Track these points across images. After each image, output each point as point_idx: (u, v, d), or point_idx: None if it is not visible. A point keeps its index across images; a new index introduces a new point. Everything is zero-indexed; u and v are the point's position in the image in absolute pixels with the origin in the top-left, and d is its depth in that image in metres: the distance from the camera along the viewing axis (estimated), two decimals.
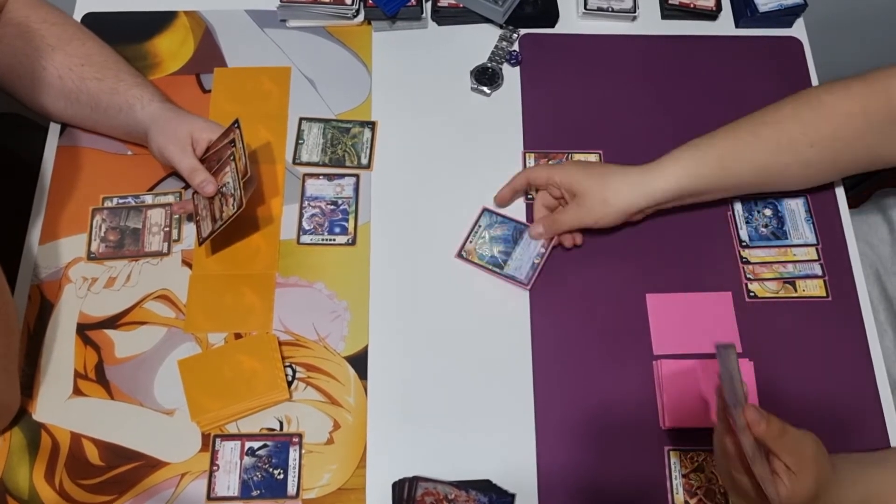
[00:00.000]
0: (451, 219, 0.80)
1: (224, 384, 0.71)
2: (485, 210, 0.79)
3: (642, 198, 0.73)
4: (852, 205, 0.83)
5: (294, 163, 0.83)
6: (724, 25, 0.92)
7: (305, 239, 0.79)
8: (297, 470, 0.69)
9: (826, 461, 0.57)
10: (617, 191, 0.73)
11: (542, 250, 0.74)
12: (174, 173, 0.81)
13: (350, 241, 0.79)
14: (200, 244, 0.76)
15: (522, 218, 0.80)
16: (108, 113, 0.78)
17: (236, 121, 0.74)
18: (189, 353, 0.73)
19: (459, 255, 0.76)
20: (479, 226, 0.77)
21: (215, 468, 0.69)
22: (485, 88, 0.87)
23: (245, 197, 0.71)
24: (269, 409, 0.71)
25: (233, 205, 0.72)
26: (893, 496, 0.61)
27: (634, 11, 0.90)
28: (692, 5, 0.91)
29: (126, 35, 0.88)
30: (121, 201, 0.80)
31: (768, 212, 0.81)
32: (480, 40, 0.90)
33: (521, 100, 0.87)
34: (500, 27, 0.91)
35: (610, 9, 0.90)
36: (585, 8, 0.90)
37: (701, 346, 0.75)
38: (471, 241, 0.76)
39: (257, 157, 0.83)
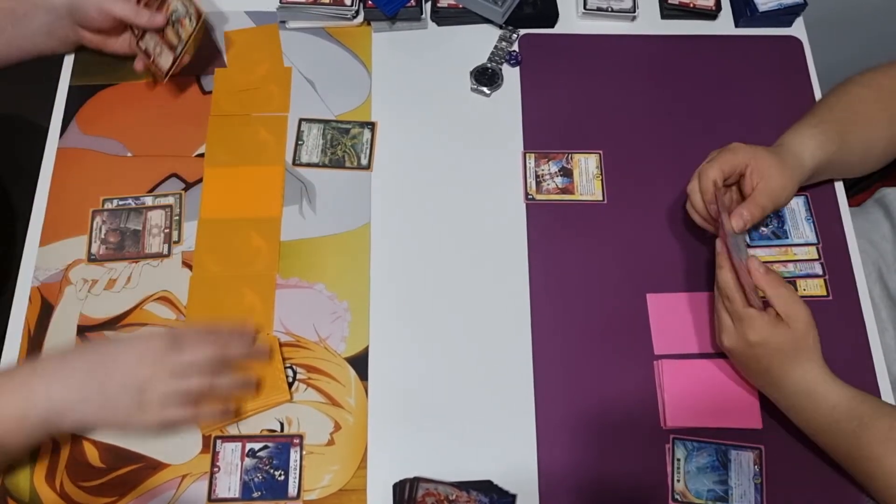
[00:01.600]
0: (451, 219, 0.80)
1: None
2: (675, 439, 0.70)
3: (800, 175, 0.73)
4: (853, 203, 0.83)
5: (294, 164, 0.83)
6: (724, 25, 0.92)
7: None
8: (297, 471, 0.69)
9: (812, 335, 0.65)
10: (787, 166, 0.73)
11: (757, 468, 0.69)
12: (175, 174, 0.81)
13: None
14: (166, 77, 0.79)
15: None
16: (28, 19, 0.77)
17: None
18: None
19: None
20: (678, 460, 0.70)
21: (216, 469, 0.69)
22: (484, 89, 0.87)
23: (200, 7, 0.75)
24: (270, 410, 0.71)
25: (190, 21, 0.75)
26: (825, 402, 0.65)
27: (634, 11, 0.90)
28: (692, 5, 0.91)
29: None
30: (121, 203, 0.80)
31: None
32: (480, 41, 0.90)
33: (520, 100, 0.87)
34: (500, 27, 0.91)
35: (609, 9, 0.90)
36: (585, 8, 0.90)
37: (702, 345, 0.75)
38: (678, 480, 0.69)
39: (259, 158, 0.83)
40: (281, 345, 0.73)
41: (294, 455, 0.69)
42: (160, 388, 0.62)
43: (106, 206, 0.80)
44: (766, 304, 0.66)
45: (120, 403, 0.62)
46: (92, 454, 0.69)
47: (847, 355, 0.75)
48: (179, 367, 0.63)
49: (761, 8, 0.90)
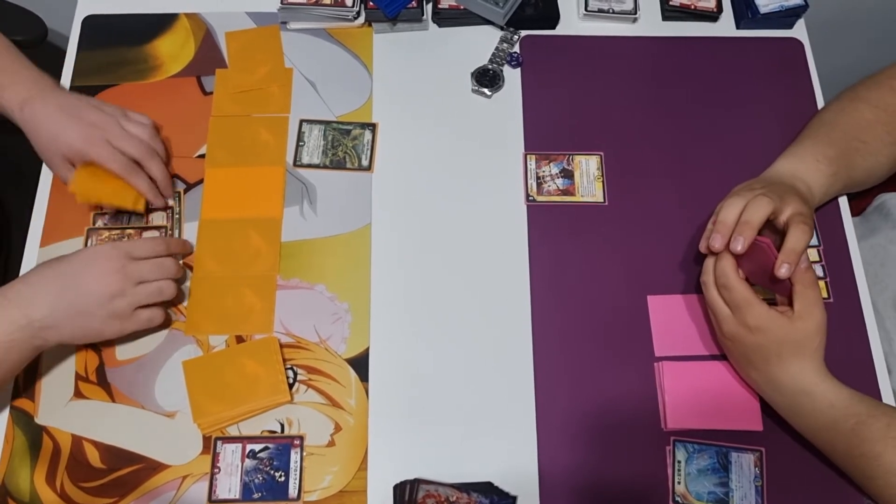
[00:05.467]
0: (452, 221, 0.80)
1: (227, 387, 0.71)
2: (676, 441, 0.70)
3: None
4: (853, 206, 0.83)
5: (295, 165, 0.83)
6: (725, 27, 0.92)
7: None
8: (298, 472, 0.69)
9: (819, 339, 0.66)
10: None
11: (757, 471, 0.70)
12: (175, 175, 0.82)
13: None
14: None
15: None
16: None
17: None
18: (190, 355, 0.73)
19: None
20: (679, 461, 0.69)
21: (216, 470, 0.69)
22: (486, 90, 0.87)
23: None
24: (271, 411, 0.71)
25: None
26: (820, 407, 0.65)
27: (635, 13, 0.90)
28: (693, 7, 0.91)
29: (127, 37, 0.88)
30: None
31: None
32: (481, 42, 0.90)
33: (521, 101, 0.87)
34: (501, 29, 0.91)
35: (611, 10, 0.90)
36: (586, 9, 0.90)
37: (703, 347, 0.75)
38: (679, 482, 0.69)
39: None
40: (281, 346, 0.73)
41: (294, 456, 0.69)
42: (127, 297, 0.68)
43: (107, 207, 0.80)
44: (770, 302, 0.65)
45: (94, 316, 0.67)
46: (92, 455, 0.69)
47: (847, 357, 0.75)
48: (139, 274, 0.69)
49: (762, 10, 0.90)
